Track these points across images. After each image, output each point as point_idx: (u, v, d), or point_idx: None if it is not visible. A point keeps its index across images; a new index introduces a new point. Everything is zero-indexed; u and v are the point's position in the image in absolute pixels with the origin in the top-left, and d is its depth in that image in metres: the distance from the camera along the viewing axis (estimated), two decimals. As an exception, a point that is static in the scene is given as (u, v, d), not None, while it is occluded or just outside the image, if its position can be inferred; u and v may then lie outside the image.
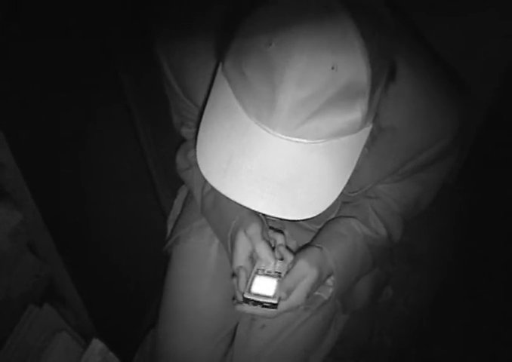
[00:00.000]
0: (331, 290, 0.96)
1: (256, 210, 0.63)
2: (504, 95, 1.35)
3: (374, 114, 0.65)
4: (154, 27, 0.86)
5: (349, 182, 0.87)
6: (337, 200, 0.92)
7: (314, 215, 0.64)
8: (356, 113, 0.60)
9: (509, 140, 1.52)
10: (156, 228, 1.36)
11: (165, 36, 0.85)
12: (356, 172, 0.85)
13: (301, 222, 1.07)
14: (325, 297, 1.00)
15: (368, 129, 0.64)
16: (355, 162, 0.66)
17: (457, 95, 0.82)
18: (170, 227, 1.27)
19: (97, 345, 1.00)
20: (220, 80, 0.66)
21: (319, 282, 0.90)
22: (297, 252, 0.93)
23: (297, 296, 0.86)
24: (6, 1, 0.74)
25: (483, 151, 1.54)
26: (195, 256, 1.14)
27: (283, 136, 0.61)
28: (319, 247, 0.92)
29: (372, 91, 0.60)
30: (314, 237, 0.98)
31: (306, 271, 0.87)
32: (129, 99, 1.18)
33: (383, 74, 0.63)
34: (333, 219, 1.01)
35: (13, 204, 0.86)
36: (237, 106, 0.63)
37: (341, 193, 0.91)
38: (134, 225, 1.32)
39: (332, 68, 0.57)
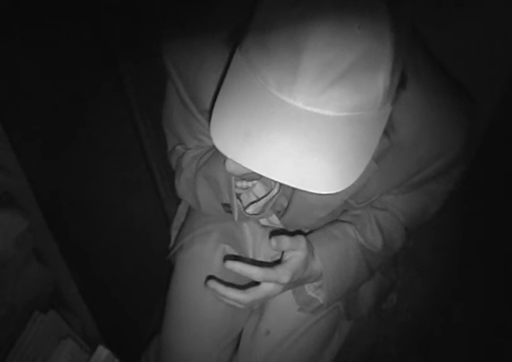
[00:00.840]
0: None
1: (275, 179, 0.61)
2: (507, 102, 1.36)
3: (393, 98, 0.63)
4: (163, 36, 0.86)
5: (356, 193, 0.89)
6: (340, 207, 0.94)
7: (334, 191, 0.61)
8: (377, 86, 0.58)
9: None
10: (161, 235, 1.36)
11: (173, 44, 0.85)
12: (363, 184, 0.86)
13: (304, 228, 1.08)
14: (321, 301, 1.00)
15: (387, 112, 0.63)
16: (374, 145, 0.63)
17: (464, 107, 0.83)
18: (174, 234, 1.27)
19: (102, 351, 1.00)
20: (237, 62, 0.63)
21: (303, 270, 0.89)
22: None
23: (283, 270, 0.86)
24: (7, 2, 0.74)
25: (488, 158, 1.55)
26: (200, 263, 1.14)
27: (305, 107, 0.58)
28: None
29: (394, 68, 0.59)
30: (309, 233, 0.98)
31: (302, 246, 0.88)
32: (133, 105, 1.19)
33: (402, 55, 0.62)
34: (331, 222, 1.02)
35: (20, 211, 0.86)
36: (257, 81, 0.60)
37: (347, 203, 0.93)
38: (138, 231, 1.32)
39: (358, 27, 0.56)
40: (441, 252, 1.70)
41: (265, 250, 1.17)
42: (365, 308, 1.17)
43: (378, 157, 0.83)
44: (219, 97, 0.65)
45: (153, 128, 1.24)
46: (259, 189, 0.96)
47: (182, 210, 1.30)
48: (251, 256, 1.18)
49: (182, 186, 1.02)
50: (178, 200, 1.33)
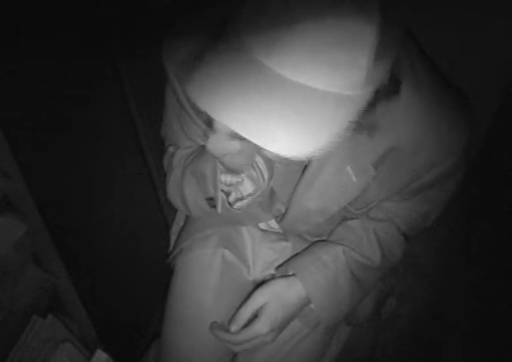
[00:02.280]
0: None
1: (242, 134, 0.58)
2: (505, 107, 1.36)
3: (374, 88, 0.62)
4: (163, 39, 0.87)
5: (355, 199, 0.89)
6: (338, 213, 0.94)
7: (290, 155, 0.58)
8: (359, 66, 0.57)
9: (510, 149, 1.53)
10: (160, 239, 1.36)
11: (171, 46, 0.85)
12: (362, 190, 0.86)
13: (303, 234, 1.08)
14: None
15: (364, 97, 0.61)
16: (343, 126, 0.61)
17: (463, 113, 0.83)
18: (173, 238, 1.27)
19: (101, 355, 1.00)
20: (224, 37, 0.61)
21: (283, 310, 0.94)
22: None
23: (259, 324, 0.92)
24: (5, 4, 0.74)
25: (487, 160, 1.55)
26: (199, 267, 1.13)
27: (288, 76, 0.57)
28: (288, 276, 0.97)
29: (379, 53, 0.58)
30: (296, 257, 1.01)
31: (261, 299, 0.94)
32: (133, 110, 1.19)
33: (392, 47, 0.61)
34: (322, 241, 1.03)
35: (18, 215, 0.86)
36: (245, 47, 0.58)
37: (346, 209, 0.93)
38: (137, 235, 1.32)
39: (348, 5, 0.55)
40: (441, 256, 1.70)
41: (264, 254, 1.17)
42: (364, 314, 1.17)
43: (377, 164, 0.83)
44: (203, 61, 0.62)
45: (153, 133, 1.25)
46: (246, 187, 0.96)
47: (181, 214, 1.30)
48: (250, 260, 1.18)
49: (171, 186, 1.03)
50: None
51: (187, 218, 1.23)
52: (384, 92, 0.67)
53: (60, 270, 0.96)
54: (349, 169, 0.84)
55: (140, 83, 1.17)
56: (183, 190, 0.99)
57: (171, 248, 1.27)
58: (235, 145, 0.71)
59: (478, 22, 1.16)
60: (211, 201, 0.94)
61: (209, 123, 0.71)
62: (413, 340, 1.59)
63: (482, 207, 1.64)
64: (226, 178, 0.85)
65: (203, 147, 0.92)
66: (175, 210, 1.33)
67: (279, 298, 0.94)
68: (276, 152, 0.58)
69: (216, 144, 0.70)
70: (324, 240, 1.04)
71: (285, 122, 0.58)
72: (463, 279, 1.60)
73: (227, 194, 0.92)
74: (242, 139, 0.66)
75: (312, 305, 0.98)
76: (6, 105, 0.78)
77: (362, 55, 0.57)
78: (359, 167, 0.84)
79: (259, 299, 0.95)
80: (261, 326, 0.92)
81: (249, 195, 0.93)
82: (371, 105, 0.66)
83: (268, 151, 0.59)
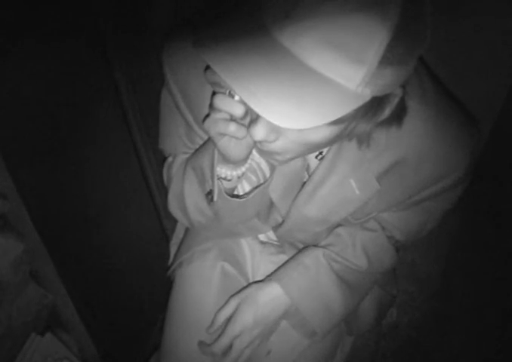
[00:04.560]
0: None
1: (242, 96, 0.58)
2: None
3: (377, 93, 0.61)
4: (163, 45, 0.86)
5: (355, 210, 0.89)
6: (336, 222, 0.94)
7: (287, 126, 0.58)
8: (362, 61, 0.57)
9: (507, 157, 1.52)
10: (159, 252, 1.36)
11: (173, 53, 0.84)
12: (364, 203, 0.86)
13: (298, 243, 1.08)
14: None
15: (361, 97, 0.60)
16: (331, 118, 0.60)
17: (467, 128, 0.83)
18: (173, 250, 1.27)
19: (99, 373, 1.00)
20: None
21: (260, 309, 0.97)
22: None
23: (230, 326, 0.97)
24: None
25: (485, 166, 1.54)
26: (199, 280, 1.13)
27: (289, 47, 0.58)
28: (273, 281, 0.99)
29: (387, 57, 0.57)
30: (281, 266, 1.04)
31: (234, 303, 0.99)
32: (130, 118, 1.18)
33: (404, 60, 0.60)
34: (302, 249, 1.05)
35: (16, 233, 0.86)
36: (252, 10, 0.60)
37: (345, 219, 0.93)
38: (136, 249, 1.32)
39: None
40: (441, 266, 1.70)
41: (264, 266, 1.17)
42: (366, 323, 1.16)
43: (380, 177, 0.83)
44: (214, 25, 0.63)
45: (151, 145, 1.24)
46: (245, 189, 0.95)
47: (181, 226, 1.29)
48: (249, 273, 1.17)
49: (171, 198, 1.02)
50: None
51: (187, 230, 1.23)
52: (390, 114, 0.67)
53: (59, 287, 0.96)
54: (352, 182, 0.85)
55: (139, 92, 1.17)
56: (184, 194, 0.98)
57: (170, 261, 1.26)
58: (231, 126, 0.71)
59: (478, 24, 1.16)
60: (210, 196, 0.93)
61: (212, 103, 0.72)
62: (414, 350, 1.59)
63: (483, 214, 1.64)
64: (221, 169, 0.85)
65: (202, 144, 0.92)
66: (175, 222, 1.32)
67: (248, 298, 0.99)
68: (270, 120, 0.58)
69: (213, 123, 0.72)
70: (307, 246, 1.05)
71: (284, 95, 0.58)
72: (463, 288, 1.60)
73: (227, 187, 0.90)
74: (237, 121, 0.70)
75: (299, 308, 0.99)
76: (2, 124, 0.78)
77: (367, 52, 0.57)
78: (363, 181, 0.84)
79: (232, 302, 1.00)
80: (232, 327, 0.96)
81: (253, 189, 0.92)
82: (379, 122, 0.67)
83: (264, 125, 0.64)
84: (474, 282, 1.59)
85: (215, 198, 0.89)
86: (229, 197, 0.88)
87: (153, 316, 1.39)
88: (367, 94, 0.60)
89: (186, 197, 0.97)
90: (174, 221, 1.33)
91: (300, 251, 1.04)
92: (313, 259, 1.00)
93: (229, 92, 0.70)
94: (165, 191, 1.35)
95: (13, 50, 0.78)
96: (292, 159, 0.78)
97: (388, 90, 0.63)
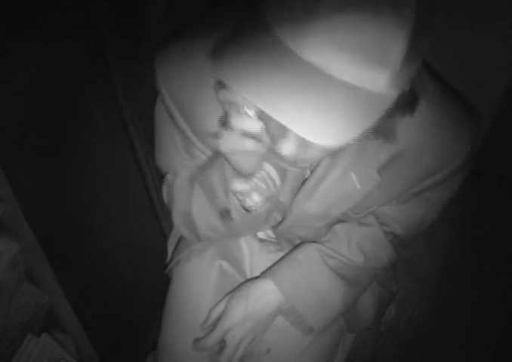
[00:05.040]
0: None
1: (273, 115, 0.57)
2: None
3: (399, 93, 0.61)
4: (156, 55, 0.85)
5: (356, 205, 0.89)
6: (337, 217, 0.94)
7: (319, 142, 0.57)
8: (386, 65, 0.57)
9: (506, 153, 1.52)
10: (157, 250, 1.36)
11: (165, 64, 0.84)
12: (365, 196, 0.86)
13: (296, 240, 1.07)
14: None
15: (389, 98, 0.61)
16: (363, 127, 0.60)
17: (467, 119, 0.83)
18: (170, 249, 1.27)
19: (97, 373, 0.99)
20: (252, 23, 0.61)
21: (250, 302, 0.99)
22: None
23: (220, 321, 0.99)
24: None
25: (484, 164, 1.54)
26: (196, 278, 1.13)
27: (311, 61, 0.57)
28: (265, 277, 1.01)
29: (409, 54, 0.57)
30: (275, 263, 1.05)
31: (226, 299, 1.02)
32: (128, 120, 1.18)
33: (417, 56, 0.60)
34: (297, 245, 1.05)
35: (11, 234, 0.86)
36: (270, 29, 0.58)
37: (345, 213, 0.93)
38: (134, 249, 1.32)
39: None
40: (440, 263, 1.69)
41: (262, 264, 1.16)
42: (366, 320, 1.16)
43: (381, 169, 0.83)
44: (231, 45, 0.62)
45: (149, 144, 1.24)
46: (254, 200, 0.95)
47: (178, 225, 1.29)
48: (247, 271, 1.17)
49: (176, 215, 1.02)
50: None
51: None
52: (402, 103, 0.66)
53: (55, 288, 0.96)
54: (353, 175, 0.85)
55: (138, 93, 1.17)
56: (192, 213, 0.98)
57: (168, 259, 1.26)
58: (247, 143, 0.71)
59: (477, 23, 1.15)
60: (224, 213, 0.93)
61: (224, 122, 0.72)
62: (413, 347, 1.59)
63: (480, 214, 1.64)
64: (235, 184, 0.84)
65: (208, 159, 0.92)
66: (172, 222, 1.32)
67: (238, 293, 1.01)
68: (309, 139, 0.57)
69: (228, 142, 0.72)
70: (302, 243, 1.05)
71: (316, 111, 0.57)
72: (462, 287, 1.59)
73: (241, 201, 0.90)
74: (253, 137, 0.70)
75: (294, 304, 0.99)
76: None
77: (390, 55, 0.56)
78: (364, 174, 0.84)
79: (225, 298, 1.03)
80: (223, 321, 0.99)
81: (265, 200, 0.91)
82: (391, 113, 0.66)
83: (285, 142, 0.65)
84: (474, 281, 1.59)
85: (233, 215, 0.90)
86: (246, 213, 0.89)
87: (151, 315, 1.39)
88: (395, 94, 0.60)
89: (195, 216, 0.98)
90: (172, 221, 1.33)
91: (294, 247, 1.04)
92: (306, 255, 1.00)
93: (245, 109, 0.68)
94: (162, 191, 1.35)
95: (10, 52, 0.78)
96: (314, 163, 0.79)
97: (406, 87, 0.63)
